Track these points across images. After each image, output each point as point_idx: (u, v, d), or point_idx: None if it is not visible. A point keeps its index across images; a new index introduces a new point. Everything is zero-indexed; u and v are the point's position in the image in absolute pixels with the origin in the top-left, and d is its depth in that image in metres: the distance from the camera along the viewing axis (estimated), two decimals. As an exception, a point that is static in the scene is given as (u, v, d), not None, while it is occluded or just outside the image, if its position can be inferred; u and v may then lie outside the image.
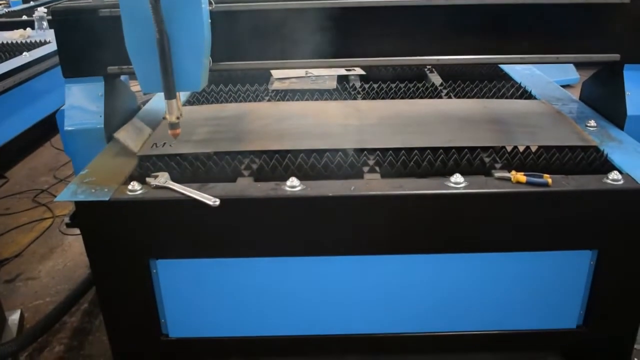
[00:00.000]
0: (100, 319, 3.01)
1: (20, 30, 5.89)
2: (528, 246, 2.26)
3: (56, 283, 3.40)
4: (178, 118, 2.19)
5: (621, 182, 2.14)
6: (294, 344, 2.49)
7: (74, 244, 3.77)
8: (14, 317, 2.93)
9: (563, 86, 3.42)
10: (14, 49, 5.37)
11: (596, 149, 2.43)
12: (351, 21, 2.49)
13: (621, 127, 2.62)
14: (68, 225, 2.41)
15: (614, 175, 2.15)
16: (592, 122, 2.66)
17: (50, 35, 5.87)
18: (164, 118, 2.21)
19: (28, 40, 5.67)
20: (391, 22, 2.51)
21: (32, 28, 6.11)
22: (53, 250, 3.74)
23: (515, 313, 2.41)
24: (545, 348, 2.67)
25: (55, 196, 4.32)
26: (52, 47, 5.41)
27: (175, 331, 2.42)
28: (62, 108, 2.59)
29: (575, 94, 3.20)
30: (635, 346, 2.59)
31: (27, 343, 2.67)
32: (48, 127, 5.27)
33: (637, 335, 2.52)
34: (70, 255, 3.68)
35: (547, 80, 3.47)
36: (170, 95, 2.13)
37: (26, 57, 5.05)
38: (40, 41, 5.61)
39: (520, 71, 3.63)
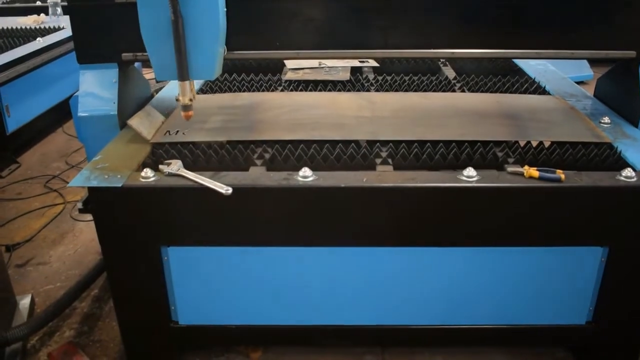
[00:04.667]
0: (110, 304, 3.04)
1: (34, 16, 5.92)
2: (539, 241, 2.25)
3: (67, 268, 3.42)
4: (191, 100, 2.20)
5: (634, 179, 2.13)
6: (303, 333, 2.50)
7: (85, 230, 3.79)
8: (24, 302, 2.96)
9: (577, 83, 3.40)
10: (28, 35, 5.41)
11: (610, 145, 2.41)
12: (366, 12, 2.48)
13: (635, 125, 2.61)
14: (80, 211, 2.43)
15: (628, 172, 2.14)
16: (606, 119, 2.64)
17: (63, 21, 5.90)
18: (177, 100, 2.21)
19: (42, 26, 5.70)
20: (406, 14, 2.50)
21: (46, 14, 6.13)
22: (64, 236, 3.76)
23: (525, 308, 2.41)
24: (554, 343, 2.66)
25: (66, 182, 4.37)
26: (66, 33, 5.45)
27: (185, 318, 2.43)
28: (75, 94, 2.59)
29: (589, 90, 3.18)
30: (644, 344, 2.59)
31: (37, 327, 2.69)
32: (60, 113, 5.33)
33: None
34: (81, 240, 3.70)
35: (561, 76, 3.44)
36: (183, 76, 2.13)
37: (40, 42, 5.08)
38: (53, 27, 5.64)
39: (534, 66, 3.60)
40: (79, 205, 2.44)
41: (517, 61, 3.69)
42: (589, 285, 2.35)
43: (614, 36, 2.53)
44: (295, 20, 2.46)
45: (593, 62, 6.28)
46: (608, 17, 2.49)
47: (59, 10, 6.21)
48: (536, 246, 2.27)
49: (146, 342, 2.53)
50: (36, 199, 4.26)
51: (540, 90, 3.17)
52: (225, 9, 2.17)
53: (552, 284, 2.35)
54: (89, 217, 2.91)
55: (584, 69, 6.36)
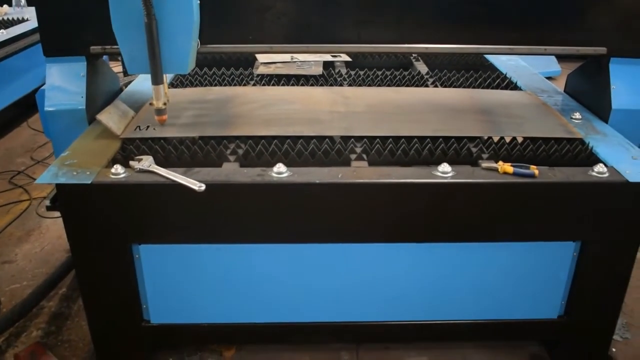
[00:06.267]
0: (78, 303, 2.97)
1: (-3, 7, 5.77)
2: (512, 237, 2.27)
3: (33, 267, 3.33)
4: (165, 104, 2.15)
5: (607, 174, 2.15)
6: (277, 330, 2.48)
7: (52, 227, 3.70)
8: (-10, 301, 2.89)
9: (545, 78, 3.43)
10: (-9, 26, 5.25)
11: (581, 141, 2.44)
12: (339, 7, 2.46)
13: (606, 120, 2.64)
14: (48, 209, 2.36)
15: (600, 167, 2.16)
16: (577, 115, 2.67)
17: (28, 12, 5.76)
18: (151, 104, 2.16)
19: (5, 18, 5.56)
20: (379, 9, 2.48)
21: (10, 5, 5.98)
22: (30, 233, 3.67)
23: (498, 303, 2.42)
24: (526, 337, 2.69)
25: (32, 178, 4.27)
26: (30, 25, 5.32)
27: (157, 317, 2.39)
28: (42, 88, 2.52)
29: (557, 86, 3.21)
30: (614, 337, 2.62)
31: (4, 328, 2.63)
32: (25, 107, 5.19)
33: (616, 326, 2.56)
34: (48, 238, 3.61)
35: (532, 72, 3.47)
36: (157, 80, 2.09)
37: (3, 34, 4.94)
38: (17, 19, 5.50)
39: (505, 62, 3.63)
40: (47, 202, 2.37)
41: (488, 57, 3.71)
42: (561, 280, 2.38)
43: (585, 33, 2.55)
44: (268, 14, 2.43)
45: (561, 57, 6.36)
46: (580, 13, 2.51)
47: (23, 1, 6.05)
48: (509, 241, 2.28)
49: (117, 342, 2.48)
50: (0, 195, 4.15)
51: (512, 85, 3.19)
52: (199, 2, 2.12)
53: (525, 278, 2.37)
54: (56, 214, 2.85)
55: (552, 65, 6.43)
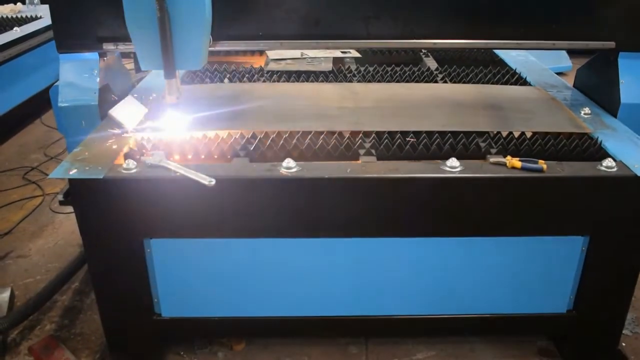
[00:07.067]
0: (91, 297, 3.01)
1: (11, 5, 5.83)
2: (521, 231, 2.27)
3: (47, 261, 3.38)
4: (177, 98, 2.18)
5: (615, 169, 2.15)
6: (287, 324, 2.50)
7: (65, 222, 3.75)
8: (4, 295, 2.91)
9: (556, 74, 3.42)
10: (4, 24, 5.32)
11: (590, 136, 2.44)
12: (349, 2, 2.48)
13: (615, 115, 2.63)
14: (61, 203, 2.40)
15: (608, 162, 2.16)
16: (587, 110, 2.66)
17: (41, 10, 5.82)
18: (163, 99, 2.19)
19: (18, 15, 5.61)
20: (388, 5, 2.49)
21: (23, 3, 6.04)
22: (43, 229, 3.72)
23: (507, 297, 2.43)
24: (535, 332, 2.70)
25: (45, 174, 4.31)
26: (43, 22, 5.37)
27: (168, 311, 2.42)
28: (55, 84, 2.55)
29: (568, 81, 3.20)
30: (624, 331, 2.62)
31: (18, 321, 2.67)
32: (38, 104, 5.25)
33: (626, 321, 2.56)
34: (61, 233, 3.65)
35: (542, 67, 3.47)
36: (170, 74, 2.11)
37: (17, 32, 5.00)
38: (31, 16, 5.55)
39: (515, 57, 3.63)
40: (60, 197, 2.41)
41: (498, 52, 3.71)
42: (569, 275, 2.38)
43: (594, 27, 2.55)
44: (279, 11, 2.45)
45: (572, 53, 6.34)
46: (588, 8, 2.51)
47: (37, -1, 6.12)
48: (518, 236, 2.29)
49: (128, 335, 2.51)
50: (14, 191, 4.20)
51: (521, 81, 3.19)
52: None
53: (534, 273, 2.37)
54: (69, 209, 2.88)
55: (562, 60, 6.40)
